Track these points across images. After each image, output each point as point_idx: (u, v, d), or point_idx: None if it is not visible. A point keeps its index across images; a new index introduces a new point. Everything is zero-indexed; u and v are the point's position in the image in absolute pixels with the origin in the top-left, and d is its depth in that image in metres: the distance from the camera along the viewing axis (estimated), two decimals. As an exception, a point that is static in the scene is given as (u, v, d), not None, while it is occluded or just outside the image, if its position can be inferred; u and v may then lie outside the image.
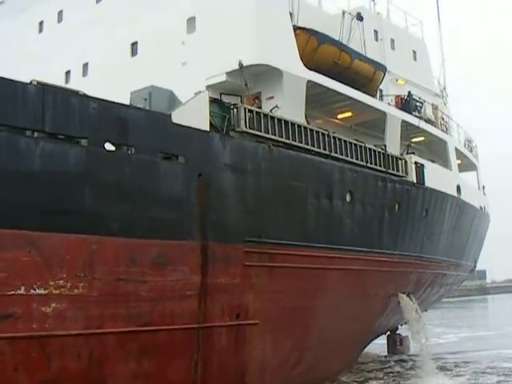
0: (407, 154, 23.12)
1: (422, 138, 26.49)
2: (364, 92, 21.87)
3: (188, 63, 18.73)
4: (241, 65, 17.29)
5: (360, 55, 22.24)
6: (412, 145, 24.26)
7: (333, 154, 18.59)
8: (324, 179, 17.96)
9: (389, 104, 24.36)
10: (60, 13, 23.87)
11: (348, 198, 18.78)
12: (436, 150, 27.62)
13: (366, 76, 22.22)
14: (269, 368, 16.19)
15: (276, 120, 16.86)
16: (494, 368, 22.34)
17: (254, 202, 15.59)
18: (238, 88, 17.64)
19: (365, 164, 19.94)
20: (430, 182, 23.21)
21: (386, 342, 28.50)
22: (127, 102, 14.95)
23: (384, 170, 20.92)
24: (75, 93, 12.83)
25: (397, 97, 25.24)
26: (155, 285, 13.17)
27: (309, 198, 17.25)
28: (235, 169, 15.21)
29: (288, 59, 18.45)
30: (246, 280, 15.20)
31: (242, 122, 15.78)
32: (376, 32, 25.98)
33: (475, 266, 33.31)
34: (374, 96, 22.90)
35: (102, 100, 13.02)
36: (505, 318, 53.60)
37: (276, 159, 16.32)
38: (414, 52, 28.51)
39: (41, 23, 24.69)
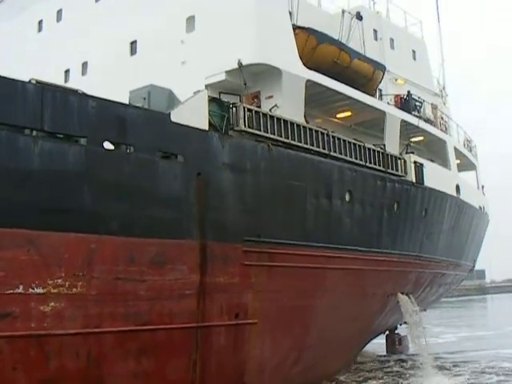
0: (406, 153, 23.12)
1: (421, 138, 26.49)
2: (363, 91, 21.85)
3: (187, 62, 18.71)
4: (240, 64, 17.28)
5: (359, 54, 22.23)
6: (411, 144, 24.25)
7: (332, 153, 18.59)
8: (323, 179, 17.95)
9: (388, 103, 24.36)
10: (59, 12, 23.87)
11: (347, 197, 18.78)
12: (435, 150, 27.62)
13: (366, 75, 22.21)
14: (268, 367, 16.19)
15: (275, 119, 16.85)
16: (493, 368, 22.30)
17: (253, 202, 15.58)
18: (237, 87, 17.64)
19: (364, 163, 19.94)
20: (429, 182, 23.21)
21: (384, 341, 28.49)
22: (126, 101, 14.95)
23: (383, 169, 20.93)
24: (74, 92, 12.83)
25: (396, 96, 25.24)
26: (154, 284, 13.17)
27: (308, 198, 17.24)
28: (234, 168, 15.20)
29: (287, 58, 18.44)
30: (245, 279, 15.20)
31: (241, 121, 15.78)
32: (375, 31, 26.00)
33: (474, 266, 33.33)
34: (373, 95, 22.88)
35: (101, 99, 13.02)
36: (504, 317, 53.62)
37: (275, 158, 16.30)
38: (414, 51, 28.53)
39: (40, 22, 24.70)
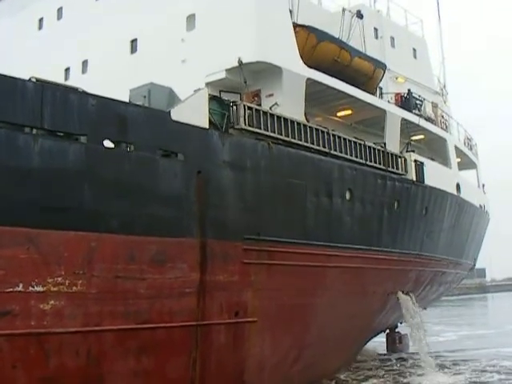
0: (407, 151, 23.13)
1: (421, 136, 26.50)
2: (364, 90, 21.82)
3: (187, 60, 18.68)
4: (240, 62, 17.25)
5: (360, 53, 22.20)
6: (412, 143, 24.27)
7: (332, 151, 18.58)
8: (323, 177, 17.94)
9: (388, 102, 24.32)
10: (60, 10, 23.85)
11: (347, 195, 18.77)
12: (436, 148, 27.61)
13: (366, 74, 22.18)
14: (267, 365, 16.18)
15: (275, 117, 16.84)
16: (494, 366, 22.27)
17: (253, 200, 15.57)
18: (238, 85, 17.60)
19: (364, 162, 19.93)
20: (429, 180, 23.20)
21: (385, 339, 28.49)
22: (126, 99, 14.93)
23: (383, 167, 20.92)
24: (74, 90, 12.82)
25: (397, 95, 25.21)
26: (154, 282, 13.16)
27: (308, 196, 17.23)
28: (234, 166, 15.19)
29: (288, 57, 18.42)
30: (245, 278, 15.19)
31: (242, 120, 15.77)
32: (376, 30, 25.96)
33: (475, 265, 33.32)
34: (373, 94, 22.86)
35: (101, 97, 13.00)
36: (504, 316, 53.58)
37: (275, 157, 16.29)
38: (414, 50, 28.49)
39: (40, 20, 24.67)
